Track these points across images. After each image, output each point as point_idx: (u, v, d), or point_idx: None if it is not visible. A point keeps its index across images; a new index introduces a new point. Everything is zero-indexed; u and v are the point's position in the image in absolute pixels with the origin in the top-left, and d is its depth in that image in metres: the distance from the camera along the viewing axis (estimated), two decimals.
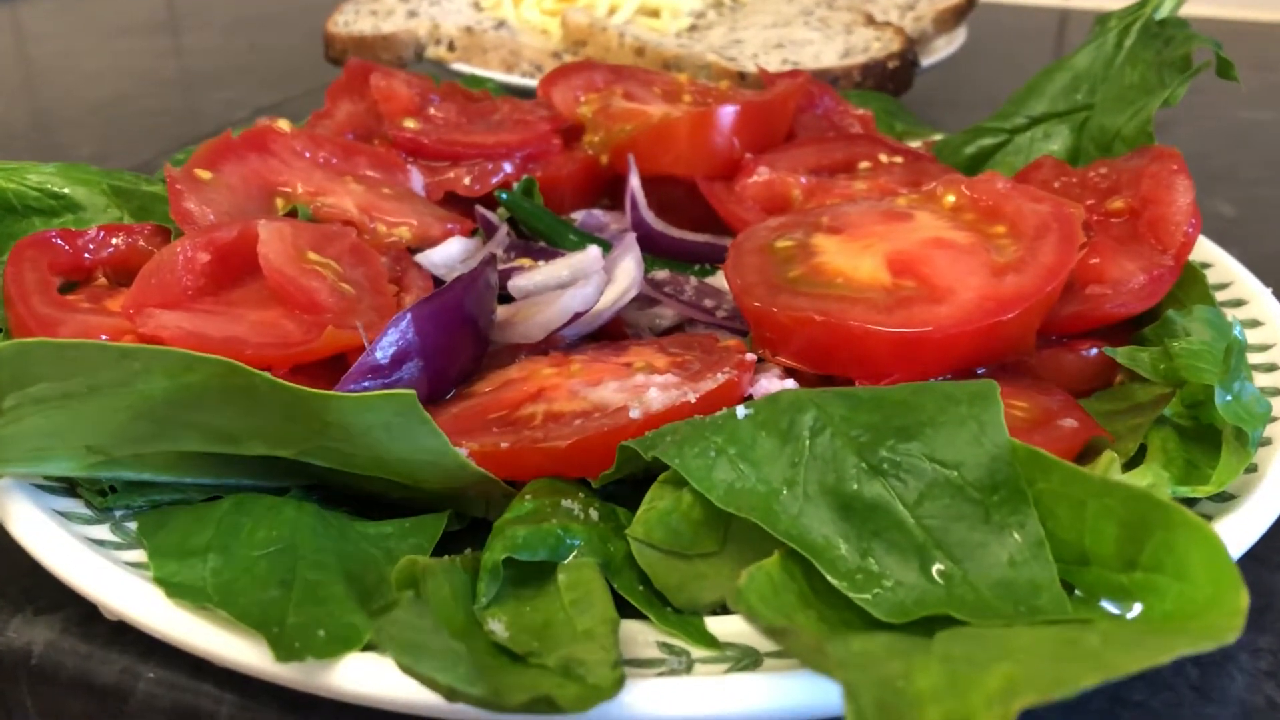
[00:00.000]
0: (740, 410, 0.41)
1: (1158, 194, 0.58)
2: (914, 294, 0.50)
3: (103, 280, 0.57)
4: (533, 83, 1.03)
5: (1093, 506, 0.35)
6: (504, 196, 0.67)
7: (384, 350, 0.48)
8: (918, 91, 1.07)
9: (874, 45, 0.99)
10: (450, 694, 0.30)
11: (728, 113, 0.70)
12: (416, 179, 0.71)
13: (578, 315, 0.55)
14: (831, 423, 0.40)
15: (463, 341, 0.52)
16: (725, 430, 0.41)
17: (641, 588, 0.41)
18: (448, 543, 0.46)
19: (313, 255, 0.56)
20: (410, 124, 0.73)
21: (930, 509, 0.37)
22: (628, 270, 0.58)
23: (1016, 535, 0.36)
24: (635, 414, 0.45)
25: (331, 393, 0.41)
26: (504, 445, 0.45)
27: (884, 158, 0.72)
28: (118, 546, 0.44)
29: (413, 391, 0.41)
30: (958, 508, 0.37)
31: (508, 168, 0.72)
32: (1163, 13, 0.70)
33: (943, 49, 1.11)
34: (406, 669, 0.31)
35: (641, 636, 0.40)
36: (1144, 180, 0.59)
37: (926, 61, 1.04)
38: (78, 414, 0.43)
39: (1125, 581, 0.35)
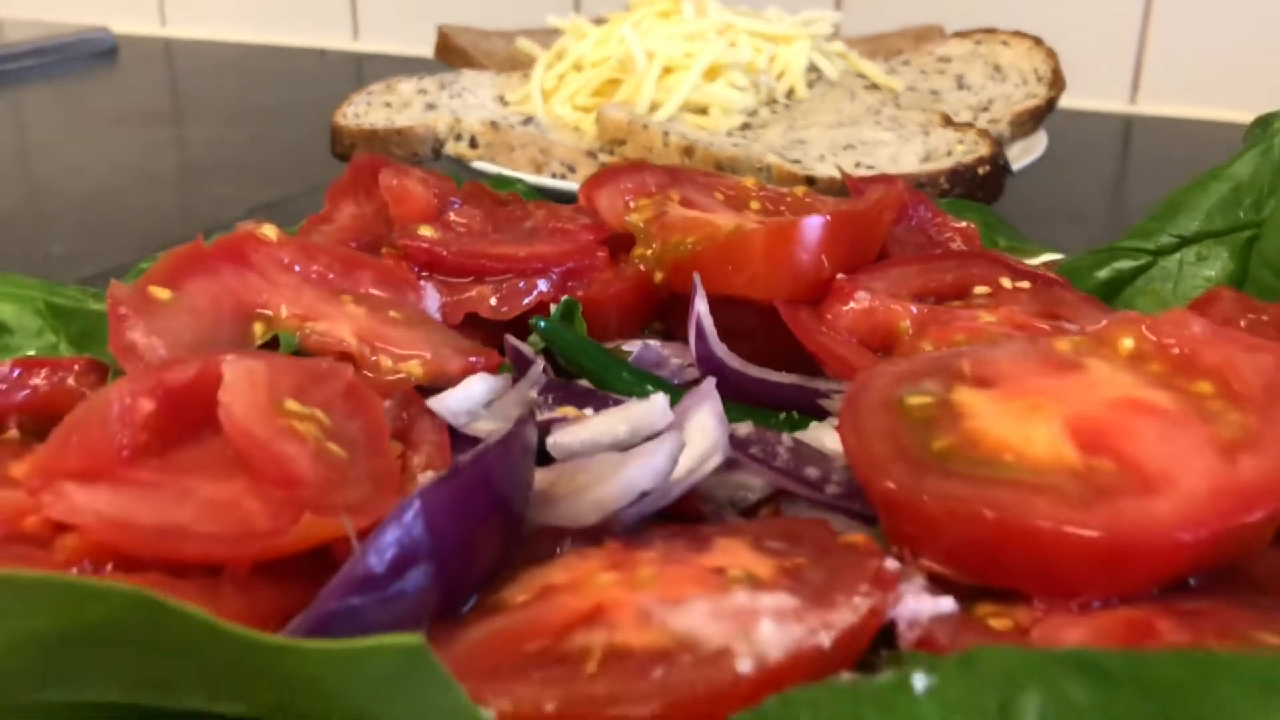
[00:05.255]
0: (919, 681, 0.27)
1: None
2: (1117, 482, 0.36)
3: (14, 432, 0.44)
4: (565, 185, 0.91)
5: None
6: (541, 324, 0.54)
7: (380, 554, 0.33)
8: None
9: (957, 148, 0.86)
10: None
11: (814, 225, 0.57)
12: (431, 298, 0.58)
13: (644, 494, 0.41)
14: (1073, 712, 0.26)
15: (489, 534, 0.38)
16: (898, 712, 0.27)
17: None
18: None
19: (292, 404, 0.42)
20: (425, 231, 0.60)
21: None
22: (706, 429, 0.44)
23: None
24: (745, 666, 0.31)
25: (297, 642, 0.27)
26: (549, 708, 0.31)
27: (1006, 282, 0.58)
28: None
29: (420, 639, 0.28)
30: None
31: (543, 286, 0.59)
32: None
33: (1023, 155, 0.98)
34: None
35: None
36: None
37: (1014, 166, 0.92)
38: None
39: None
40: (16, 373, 0.44)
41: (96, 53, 1.90)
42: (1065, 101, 1.38)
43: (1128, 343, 0.44)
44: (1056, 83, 1.06)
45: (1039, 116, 1.04)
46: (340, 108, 1.04)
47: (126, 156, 1.27)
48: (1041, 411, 0.40)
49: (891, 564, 0.36)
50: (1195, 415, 0.39)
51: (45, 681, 0.31)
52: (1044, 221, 1.03)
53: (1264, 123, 0.61)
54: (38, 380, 0.44)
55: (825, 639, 0.31)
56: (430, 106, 1.02)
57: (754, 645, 0.31)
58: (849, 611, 0.33)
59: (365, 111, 1.01)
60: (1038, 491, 0.36)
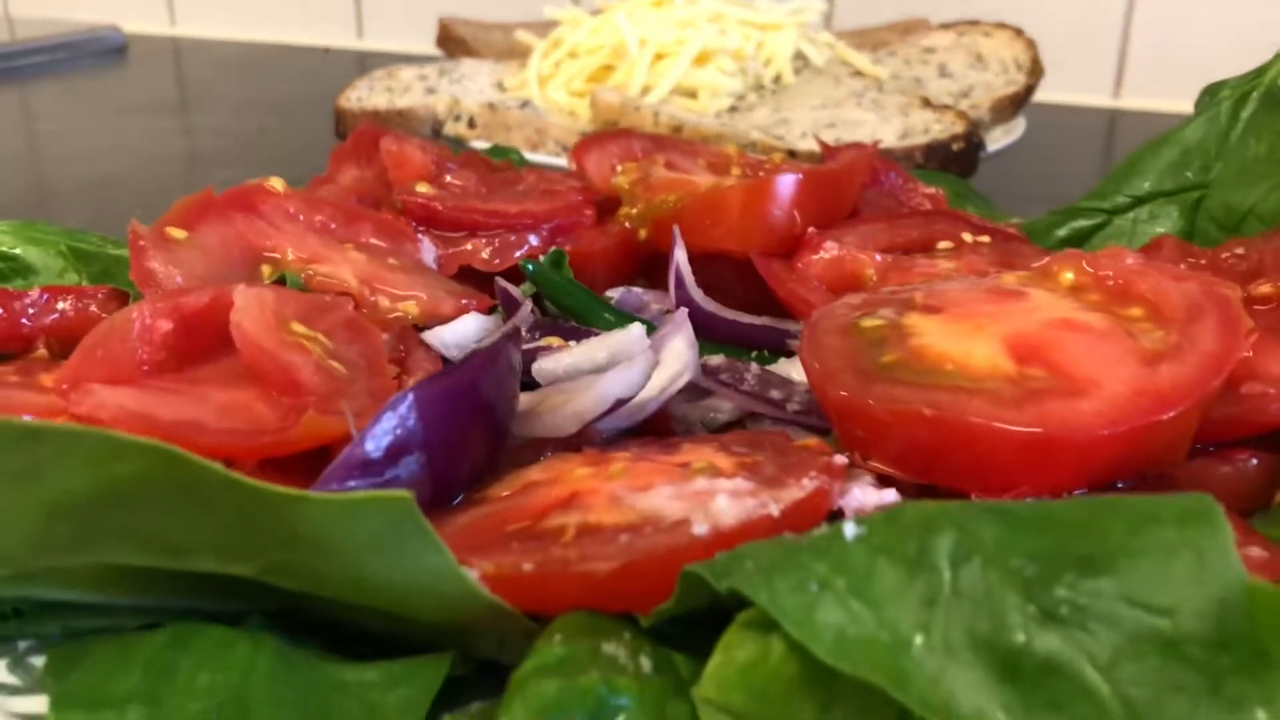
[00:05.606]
0: (849, 529, 0.31)
1: None
2: (1047, 386, 0.40)
3: (43, 352, 0.47)
4: (559, 161, 0.95)
5: None
6: (530, 267, 0.57)
7: (377, 440, 0.37)
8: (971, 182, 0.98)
9: (934, 127, 0.90)
10: None
11: (787, 182, 0.60)
12: (428, 250, 0.61)
13: (620, 403, 0.44)
14: (981, 549, 0.29)
15: (476, 433, 0.41)
16: (830, 555, 0.30)
17: None
18: (448, 693, 0.35)
19: (298, 327, 0.46)
20: (423, 189, 0.64)
21: (1132, 672, 0.26)
22: (679, 352, 0.48)
23: (1263, 715, 0.25)
24: (701, 530, 0.34)
25: (301, 493, 0.31)
26: (527, 568, 0.34)
27: (968, 237, 0.62)
28: (12, 691, 0.33)
29: (409, 494, 0.31)
30: (1172, 672, 0.26)
31: (533, 240, 0.63)
32: None
33: (1001, 138, 1.02)
34: None
35: None
36: None
37: (991, 148, 0.95)
38: None
39: None
40: (45, 298, 0.48)
41: (107, 50, 1.94)
42: (1049, 95, 1.42)
43: (1068, 276, 0.48)
44: (1035, 70, 1.10)
45: (1018, 102, 1.08)
46: (344, 92, 1.08)
47: (135, 144, 1.31)
48: (983, 331, 0.44)
49: (840, 458, 0.40)
50: (1123, 332, 0.43)
51: (77, 546, 0.34)
52: (1022, 204, 1.07)
53: (1212, 91, 0.65)
54: (64, 305, 0.48)
55: (774, 509, 0.35)
56: (430, 91, 1.06)
57: (710, 515, 0.35)
58: (798, 490, 0.36)
59: (368, 95, 1.05)
60: (974, 394, 0.40)
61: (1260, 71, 0.64)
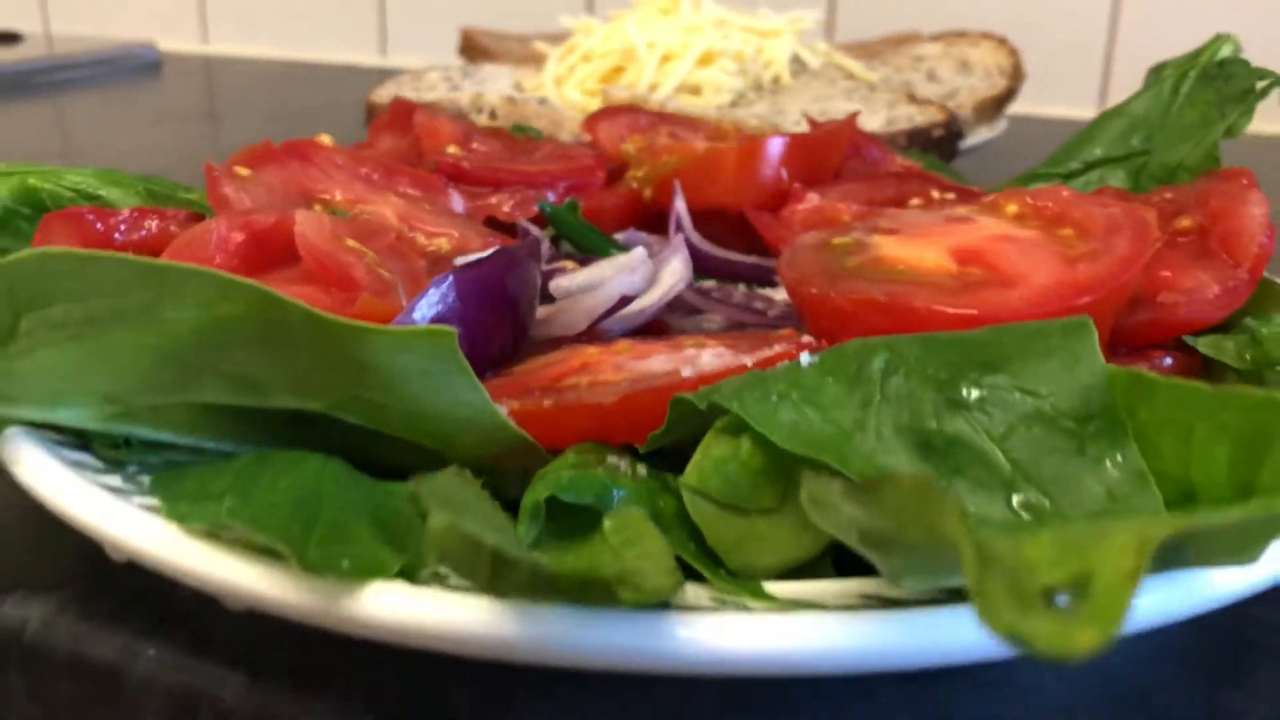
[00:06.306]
0: (804, 359, 0.39)
1: (1228, 209, 0.56)
2: (982, 280, 0.48)
3: None
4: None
5: (1202, 430, 0.32)
6: (547, 209, 0.65)
7: (423, 311, 0.45)
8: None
9: (918, 117, 0.98)
10: (497, 558, 0.27)
11: (777, 144, 0.69)
12: (457, 203, 0.69)
13: (624, 302, 0.52)
14: (905, 363, 0.37)
15: (503, 320, 0.49)
16: (788, 377, 0.38)
17: (693, 545, 0.38)
18: None
19: (351, 242, 0.54)
20: (452, 150, 0.72)
21: (1018, 442, 0.34)
22: (675, 269, 0.55)
23: (1112, 468, 0.33)
24: (688, 373, 0.42)
25: (367, 325, 0.39)
26: (546, 403, 0.42)
27: (936, 194, 0.70)
28: (130, 494, 0.41)
29: (453, 330, 0.39)
30: (1049, 440, 0.34)
31: (550, 197, 0.71)
32: (1223, 54, 0.69)
33: (984, 134, 1.10)
34: (451, 526, 0.27)
35: (694, 594, 0.36)
36: (1213, 198, 0.57)
37: (971, 140, 1.03)
38: (97, 349, 0.40)
39: None
40: (135, 216, 0.56)
41: (142, 66, 2.03)
42: (1035, 107, 1.50)
43: (1012, 208, 0.56)
44: (1016, 74, 1.18)
45: (1000, 104, 1.16)
46: (374, 89, 1.16)
47: (169, 146, 1.40)
48: (934, 243, 0.52)
49: (807, 337, 0.48)
50: (1054, 243, 0.51)
51: (178, 385, 0.42)
52: None
53: (1157, 70, 0.73)
54: (151, 223, 0.56)
55: (748, 360, 0.43)
56: (454, 89, 1.14)
57: (696, 365, 0.43)
58: (769, 350, 0.44)
59: (395, 92, 1.14)
60: (921, 286, 0.47)
61: (1198, 53, 0.71)
